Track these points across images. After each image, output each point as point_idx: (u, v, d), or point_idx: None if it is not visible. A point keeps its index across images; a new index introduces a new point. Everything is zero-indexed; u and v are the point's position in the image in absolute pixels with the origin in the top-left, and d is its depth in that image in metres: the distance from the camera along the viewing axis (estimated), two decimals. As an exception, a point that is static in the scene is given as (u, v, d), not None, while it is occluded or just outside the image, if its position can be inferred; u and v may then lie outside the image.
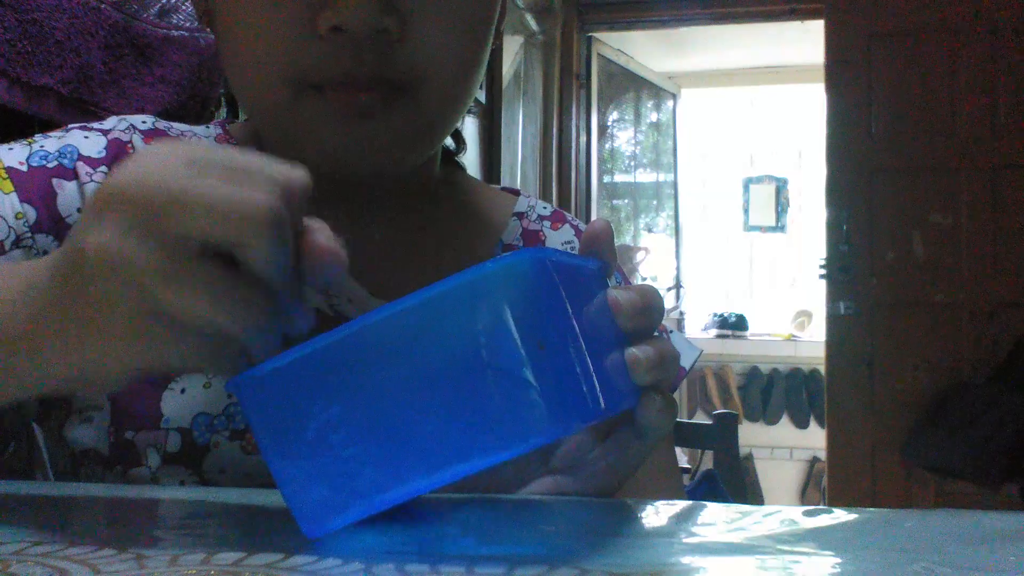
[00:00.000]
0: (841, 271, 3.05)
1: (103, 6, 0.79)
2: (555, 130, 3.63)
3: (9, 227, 0.56)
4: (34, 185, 0.58)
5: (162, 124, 0.66)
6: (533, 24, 3.24)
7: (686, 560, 0.30)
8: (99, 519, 0.40)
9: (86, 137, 0.62)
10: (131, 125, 0.64)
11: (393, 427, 0.32)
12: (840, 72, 3.07)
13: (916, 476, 2.91)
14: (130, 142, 0.62)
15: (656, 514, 0.41)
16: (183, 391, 0.56)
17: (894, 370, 2.98)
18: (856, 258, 3.03)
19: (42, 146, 0.60)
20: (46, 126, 0.72)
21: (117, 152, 0.62)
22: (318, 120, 0.55)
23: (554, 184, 3.62)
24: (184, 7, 1.05)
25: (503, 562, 0.29)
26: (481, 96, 2.66)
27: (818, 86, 3.23)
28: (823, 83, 3.12)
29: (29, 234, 0.57)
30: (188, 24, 1.05)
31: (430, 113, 0.57)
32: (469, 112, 2.58)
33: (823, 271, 3.10)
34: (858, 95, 3.04)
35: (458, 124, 0.64)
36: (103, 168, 0.60)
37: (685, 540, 0.35)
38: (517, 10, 2.96)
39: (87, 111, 0.79)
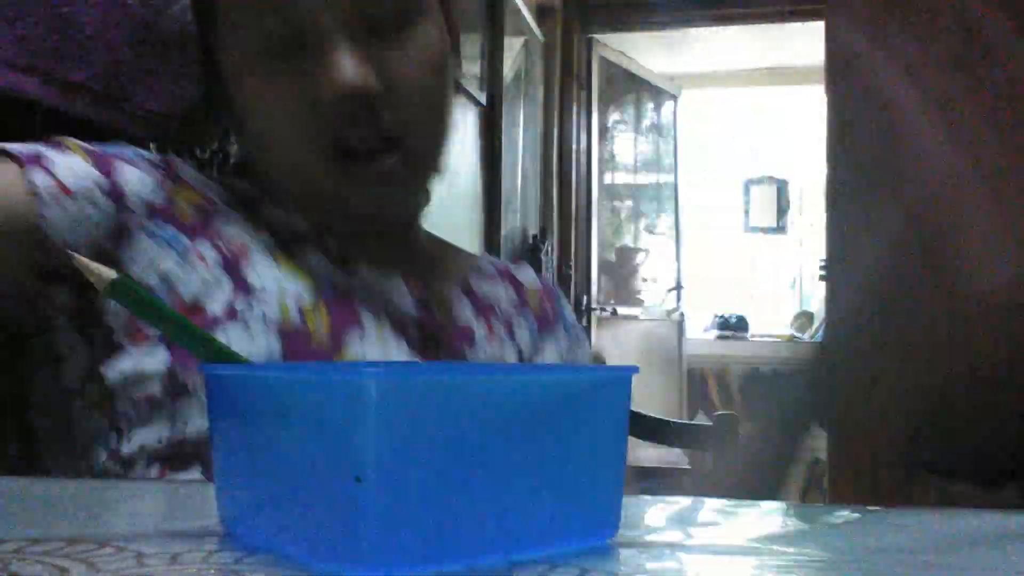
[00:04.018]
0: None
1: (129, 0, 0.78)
2: (556, 131, 3.63)
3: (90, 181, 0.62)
4: (100, 159, 0.63)
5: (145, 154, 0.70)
6: (534, 26, 3.25)
7: (687, 560, 0.30)
8: (99, 517, 0.40)
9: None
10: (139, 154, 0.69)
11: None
12: (840, 72, 3.08)
13: (916, 476, 2.91)
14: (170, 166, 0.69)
15: (656, 514, 0.41)
16: None
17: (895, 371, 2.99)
18: (856, 259, 3.03)
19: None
20: (82, 125, 0.72)
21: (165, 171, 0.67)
22: (343, 186, 0.65)
23: (555, 185, 3.62)
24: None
25: (503, 562, 0.29)
26: (482, 97, 2.66)
27: (818, 87, 3.23)
28: (823, 84, 3.12)
29: (98, 192, 0.62)
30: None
31: (422, 156, 0.69)
32: (470, 111, 2.59)
33: (823, 272, 3.10)
34: (858, 95, 3.04)
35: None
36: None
37: (686, 541, 0.35)
38: (518, 11, 2.96)
39: (120, 108, 0.77)
